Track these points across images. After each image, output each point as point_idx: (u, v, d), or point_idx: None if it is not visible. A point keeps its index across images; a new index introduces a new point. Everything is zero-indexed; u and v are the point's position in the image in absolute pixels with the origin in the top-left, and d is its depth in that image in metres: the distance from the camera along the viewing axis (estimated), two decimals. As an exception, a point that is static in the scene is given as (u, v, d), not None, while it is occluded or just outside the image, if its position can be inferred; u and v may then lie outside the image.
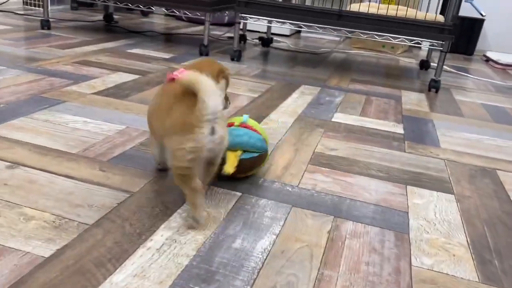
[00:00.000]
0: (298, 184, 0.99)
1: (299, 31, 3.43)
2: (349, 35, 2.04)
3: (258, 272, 0.70)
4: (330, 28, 2.00)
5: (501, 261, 0.80)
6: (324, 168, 1.09)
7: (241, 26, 2.63)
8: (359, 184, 1.03)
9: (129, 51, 2.13)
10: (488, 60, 3.00)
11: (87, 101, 1.36)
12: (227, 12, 2.36)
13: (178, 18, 3.45)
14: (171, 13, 2.28)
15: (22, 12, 2.89)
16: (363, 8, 2.18)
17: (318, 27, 2.02)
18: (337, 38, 3.36)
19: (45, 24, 2.41)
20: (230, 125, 0.95)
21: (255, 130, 0.96)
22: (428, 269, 0.75)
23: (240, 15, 2.09)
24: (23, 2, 3.21)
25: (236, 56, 2.17)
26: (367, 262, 0.76)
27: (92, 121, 1.21)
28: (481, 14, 2.83)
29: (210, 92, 0.75)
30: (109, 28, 2.69)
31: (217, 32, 3.02)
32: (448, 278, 0.74)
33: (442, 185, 1.07)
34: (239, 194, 0.92)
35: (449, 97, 1.94)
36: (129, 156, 1.04)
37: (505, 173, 1.18)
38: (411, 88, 2.01)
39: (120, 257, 0.69)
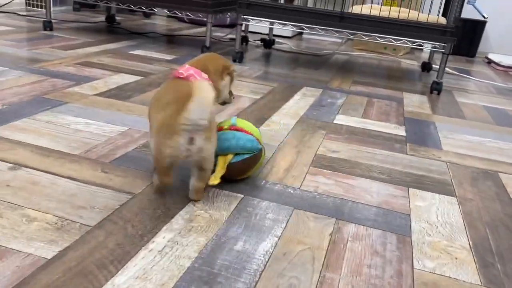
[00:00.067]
0: (300, 186, 0.99)
1: (301, 33, 3.43)
2: (351, 37, 2.04)
3: (260, 275, 0.70)
4: (332, 30, 2.00)
5: (504, 264, 0.80)
6: (326, 170, 1.09)
7: (243, 28, 2.63)
8: (361, 186, 1.03)
9: (131, 52, 2.13)
10: (490, 62, 3.00)
11: (89, 103, 1.36)
12: (229, 13, 2.36)
13: (180, 20, 3.45)
14: (173, 15, 2.28)
15: (24, 13, 2.90)
16: (365, 10, 2.18)
17: (320, 28, 2.02)
18: (339, 40, 3.36)
19: (48, 25, 2.41)
20: (220, 129, 0.94)
21: (245, 131, 0.95)
22: (430, 272, 0.75)
23: (242, 16, 2.10)
24: (26, 3, 3.22)
25: (238, 58, 2.17)
26: (369, 264, 0.75)
27: (94, 122, 1.21)
28: (483, 16, 2.83)
29: (198, 104, 0.75)
30: (111, 30, 2.69)
31: (219, 33, 3.02)
32: (450, 281, 0.74)
33: (444, 188, 1.07)
34: (241, 196, 0.92)
35: (451, 99, 1.94)
36: (131, 157, 1.04)
37: (507, 176, 1.18)
38: (413, 90, 2.01)
39: (122, 259, 0.70)
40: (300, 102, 1.62)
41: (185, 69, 0.90)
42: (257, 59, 2.31)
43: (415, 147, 1.31)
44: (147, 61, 1.98)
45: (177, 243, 0.75)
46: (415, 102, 1.81)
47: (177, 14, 2.23)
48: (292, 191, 0.97)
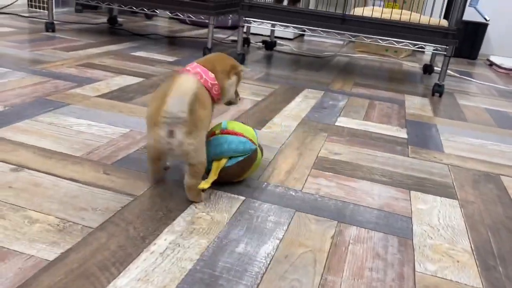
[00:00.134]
0: (302, 189, 0.99)
1: (302, 35, 3.43)
2: (353, 39, 2.04)
3: (262, 277, 0.70)
4: (334, 32, 2.01)
5: (505, 267, 0.80)
6: (327, 173, 1.09)
7: (244, 30, 2.63)
8: (362, 189, 1.03)
9: (133, 54, 2.13)
10: (491, 64, 3.00)
11: (91, 104, 1.36)
12: (230, 15, 2.36)
13: (182, 21, 3.46)
14: (175, 16, 2.28)
15: (27, 15, 2.91)
16: (366, 12, 2.18)
17: (321, 30, 2.03)
18: (341, 42, 3.37)
19: (50, 27, 2.42)
20: (212, 134, 0.94)
21: (237, 133, 0.94)
22: (431, 275, 0.75)
23: (243, 18, 2.10)
24: (28, 4, 3.22)
25: (240, 60, 2.17)
26: (371, 267, 0.75)
27: (96, 124, 1.22)
28: (485, 19, 2.83)
29: (176, 97, 0.76)
30: (113, 31, 2.70)
31: (221, 35, 3.02)
32: (452, 285, 0.74)
33: (446, 190, 1.07)
34: (242, 198, 0.92)
35: (453, 101, 1.94)
36: (133, 159, 1.04)
37: (509, 179, 1.18)
38: (414, 93, 2.01)
39: (124, 261, 0.70)
40: (301, 104, 1.63)
41: (193, 67, 0.90)
42: (259, 61, 2.31)
43: (416, 149, 1.31)
44: (149, 63, 1.99)
45: (179, 245, 0.75)
46: (416, 105, 1.81)
47: (179, 15, 2.24)
48: (293, 194, 0.97)
